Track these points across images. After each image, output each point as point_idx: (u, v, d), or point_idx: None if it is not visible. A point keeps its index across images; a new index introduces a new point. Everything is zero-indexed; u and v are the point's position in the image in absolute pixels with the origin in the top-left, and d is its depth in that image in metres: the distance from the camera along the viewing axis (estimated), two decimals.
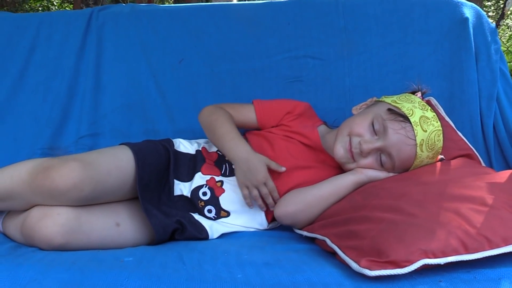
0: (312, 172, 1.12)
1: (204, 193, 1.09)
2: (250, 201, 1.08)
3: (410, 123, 1.01)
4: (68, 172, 0.90)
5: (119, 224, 0.98)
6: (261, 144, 1.16)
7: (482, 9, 1.37)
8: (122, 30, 1.43)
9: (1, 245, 0.93)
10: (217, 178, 1.11)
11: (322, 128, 1.21)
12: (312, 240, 0.98)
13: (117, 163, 1.00)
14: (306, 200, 1.05)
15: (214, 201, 1.08)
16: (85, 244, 0.92)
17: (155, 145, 1.13)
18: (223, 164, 1.13)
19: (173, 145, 1.16)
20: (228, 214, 1.10)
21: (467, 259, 0.73)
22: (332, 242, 0.87)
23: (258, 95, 1.26)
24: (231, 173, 1.11)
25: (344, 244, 0.83)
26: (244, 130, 1.25)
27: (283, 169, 1.09)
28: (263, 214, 1.11)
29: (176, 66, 1.41)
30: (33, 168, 0.93)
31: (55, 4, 6.00)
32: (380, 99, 1.12)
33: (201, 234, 1.03)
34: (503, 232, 0.76)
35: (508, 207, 0.82)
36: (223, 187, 1.10)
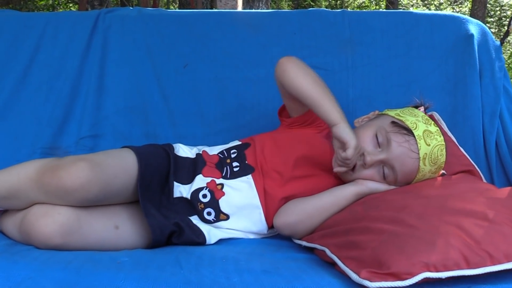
0: (314, 181, 1.11)
1: (204, 195, 1.08)
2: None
3: (414, 136, 1.01)
4: (77, 172, 0.90)
5: (118, 227, 0.97)
6: (265, 145, 1.14)
7: (485, 25, 1.38)
8: (128, 33, 1.43)
9: None
10: (218, 181, 1.10)
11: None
12: (311, 250, 0.97)
13: (123, 166, 1.00)
14: (306, 211, 1.05)
15: (213, 203, 1.07)
16: (82, 246, 0.91)
17: (156, 148, 1.12)
18: (224, 167, 1.12)
19: (173, 149, 1.15)
20: (227, 217, 1.08)
21: (469, 274, 0.72)
22: (332, 252, 0.86)
23: (262, 103, 1.26)
24: (232, 175, 1.10)
25: (344, 255, 0.82)
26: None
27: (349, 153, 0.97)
28: (263, 219, 1.09)
29: (180, 71, 1.41)
30: (41, 166, 0.92)
31: (61, 3, 6.00)
32: (383, 112, 1.12)
33: (199, 238, 1.02)
34: (505, 248, 0.76)
35: (510, 223, 0.81)
36: (223, 190, 1.09)
